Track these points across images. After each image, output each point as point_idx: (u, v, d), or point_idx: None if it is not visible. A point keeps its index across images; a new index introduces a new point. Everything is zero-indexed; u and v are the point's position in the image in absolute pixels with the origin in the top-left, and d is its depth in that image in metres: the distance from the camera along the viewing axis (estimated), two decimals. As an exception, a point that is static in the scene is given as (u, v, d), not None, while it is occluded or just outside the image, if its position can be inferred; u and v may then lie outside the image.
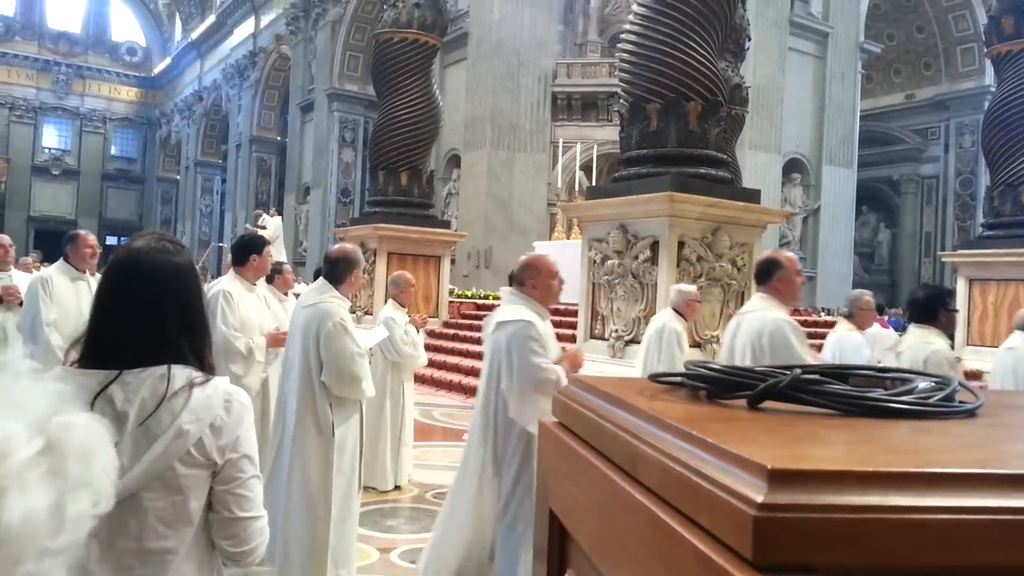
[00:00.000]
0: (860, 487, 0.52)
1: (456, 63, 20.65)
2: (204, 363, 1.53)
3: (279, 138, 30.68)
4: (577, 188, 17.78)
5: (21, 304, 5.08)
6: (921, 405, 0.77)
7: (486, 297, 15.49)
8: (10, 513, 0.80)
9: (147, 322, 1.48)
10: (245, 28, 31.80)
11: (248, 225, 22.82)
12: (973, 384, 4.05)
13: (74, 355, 1.50)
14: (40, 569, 0.83)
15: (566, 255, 10.57)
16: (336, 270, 3.72)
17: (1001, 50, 11.01)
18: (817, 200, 19.85)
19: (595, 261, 7.87)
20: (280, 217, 16.23)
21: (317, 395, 3.60)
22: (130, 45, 42.31)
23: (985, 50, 12.61)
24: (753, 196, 7.85)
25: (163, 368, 1.45)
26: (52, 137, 39.50)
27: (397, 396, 5.84)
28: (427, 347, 6.11)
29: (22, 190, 37.83)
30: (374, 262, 12.09)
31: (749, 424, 0.74)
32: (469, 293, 15.90)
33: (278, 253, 11.85)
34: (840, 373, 0.85)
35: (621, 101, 8.10)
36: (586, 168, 16.92)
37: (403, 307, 5.91)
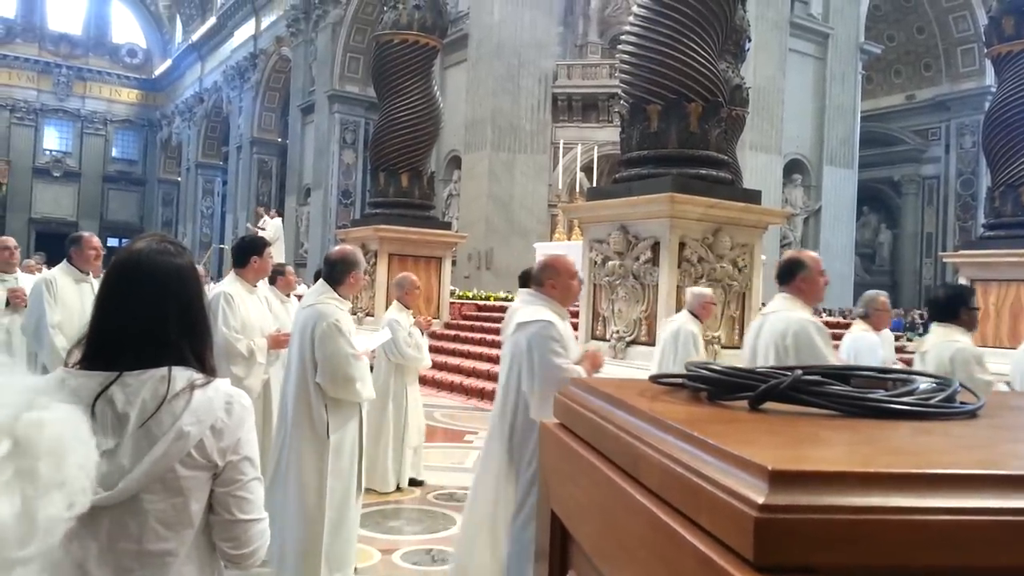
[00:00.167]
0: (861, 488, 0.52)
1: (456, 65, 20.67)
2: (205, 365, 1.53)
3: (280, 140, 30.71)
4: (578, 189, 17.79)
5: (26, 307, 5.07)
6: (922, 406, 0.77)
7: (487, 298, 15.49)
8: None
9: (148, 323, 1.48)
10: (246, 30, 31.84)
11: (249, 224, 22.85)
12: (997, 382, 4.03)
13: (76, 356, 1.50)
14: None
15: (567, 256, 10.57)
16: (335, 271, 3.73)
17: (1001, 51, 11.01)
18: (818, 201, 19.86)
19: (596, 262, 7.87)
20: (280, 218, 16.23)
21: (312, 396, 3.60)
22: (131, 47, 42.36)
23: (985, 51, 12.61)
24: (754, 197, 7.85)
25: (164, 370, 1.45)
26: (53, 139, 39.55)
27: (400, 398, 5.83)
28: (428, 348, 6.10)
29: (23, 192, 37.88)
30: (375, 263, 12.10)
31: (750, 425, 0.74)
32: (470, 294, 15.90)
33: (278, 255, 11.85)
34: (841, 374, 0.85)
35: (622, 102, 8.10)
36: (587, 169, 16.93)
37: (408, 309, 5.91)
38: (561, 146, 19.37)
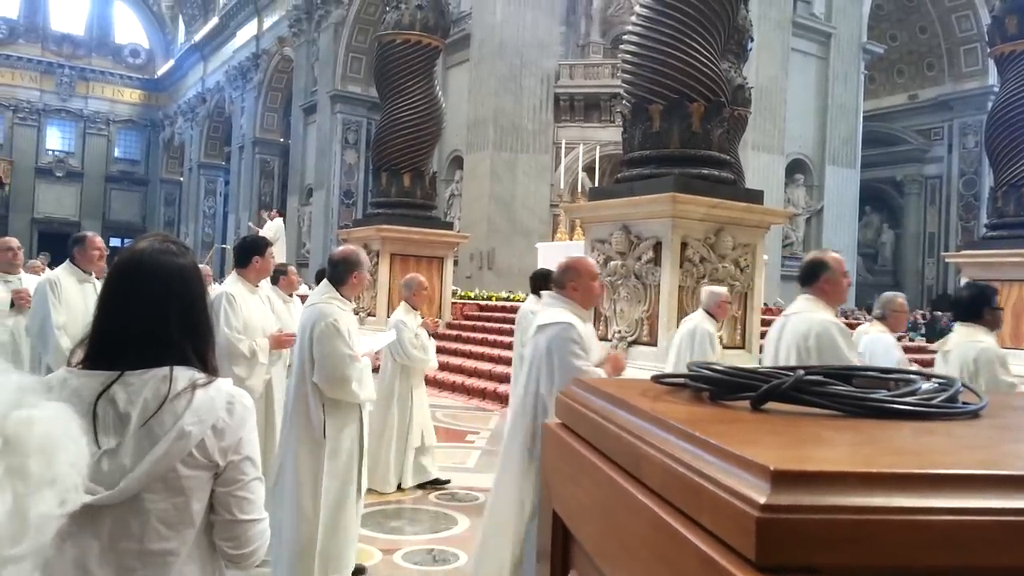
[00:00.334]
0: (863, 488, 0.52)
1: (458, 65, 20.67)
2: (207, 365, 1.53)
3: (282, 140, 30.74)
4: (580, 189, 17.78)
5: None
6: (924, 406, 0.77)
7: (489, 298, 15.49)
8: None
9: (150, 323, 1.48)
10: (248, 30, 31.87)
11: (251, 224, 22.85)
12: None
13: (79, 356, 1.50)
14: None
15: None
16: (337, 271, 3.74)
17: (1004, 50, 11.00)
18: (820, 201, 19.84)
19: (598, 262, 7.86)
20: (281, 218, 16.22)
21: (310, 395, 3.61)
22: (133, 47, 42.41)
23: (988, 50, 12.59)
24: (756, 197, 7.84)
25: (165, 369, 1.45)
26: (56, 139, 39.60)
27: (405, 399, 5.82)
28: (434, 350, 6.10)
29: (26, 192, 37.93)
30: (377, 263, 12.11)
31: (752, 425, 0.74)
32: (472, 294, 15.90)
33: (279, 254, 11.86)
34: (843, 374, 0.85)
35: (624, 102, 8.09)
36: (589, 169, 16.93)
37: (415, 310, 5.91)
38: (563, 146, 19.37)
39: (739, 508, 0.52)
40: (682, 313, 7.04)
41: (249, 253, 4.36)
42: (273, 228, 15.18)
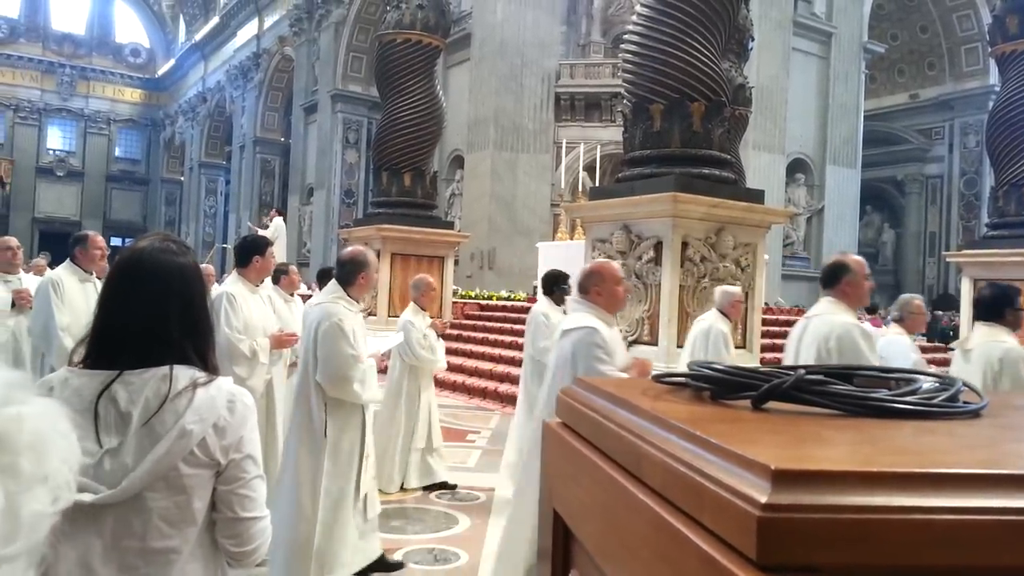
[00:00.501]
0: (864, 488, 0.52)
1: (459, 64, 20.66)
2: (208, 363, 1.53)
3: (283, 139, 30.74)
4: (580, 189, 17.76)
5: (31, 308, 5.01)
6: (925, 405, 0.77)
7: (490, 298, 15.49)
8: None
9: (150, 322, 1.49)
10: (249, 30, 31.87)
11: (250, 224, 22.84)
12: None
13: (80, 355, 1.50)
14: None
15: (570, 256, 10.57)
16: (345, 272, 3.76)
17: (1005, 50, 10.99)
18: (821, 200, 19.83)
19: (598, 262, 7.87)
20: (280, 217, 16.19)
21: (312, 394, 3.61)
22: (134, 47, 42.42)
23: (989, 50, 12.58)
24: (757, 196, 7.83)
25: (165, 368, 1.46)
26: (56, 138, 39.61)
27: (413, 399, 5.81)
28: (443, 350, 6.09)
29: (27, 191, 37.94)
30: (378, 263, 12.10)
31: (753, 425, 0.74)
32: (473, 294, 15.91)
33: (279, 254, 11.86)
34: (844, 373, 0.85)
35: (624, 102, 8.09)
36: (589, 169, 16.92)
37: (424, 311, 5.91)
38: (564, 145, 19.36)
39: (740, 507, 0.52)
40: (682, 313, 7.05)
41: (249, 253, 4.36)
42: (272, 227, 15.17)
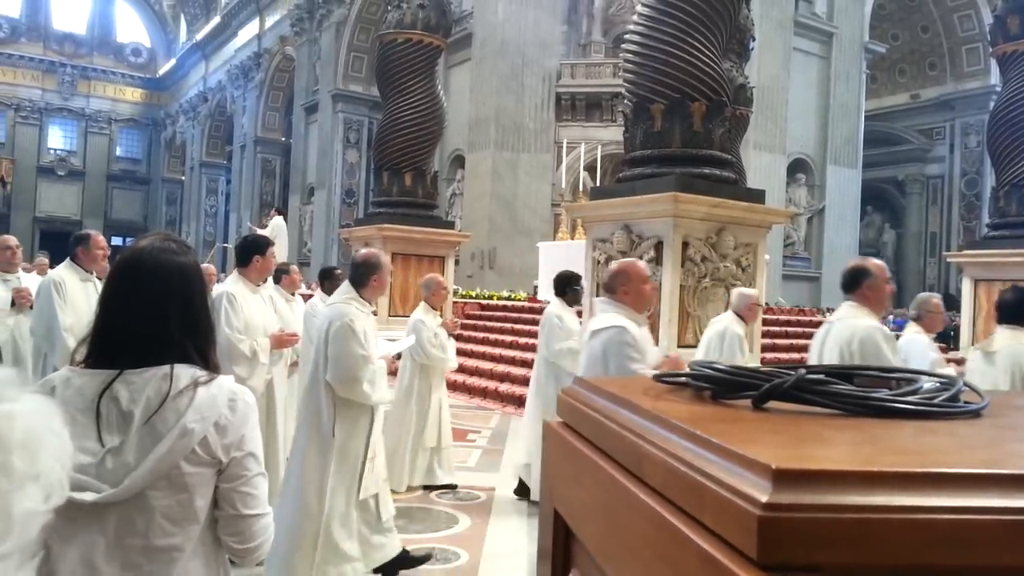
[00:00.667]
0: (865, 487, 0.52)
1: (460, 64, 20.67)
2: (209, 362, 1.54)
3: (284, 139, 30.76)
4: (581, 188, 17.76)
5: (31, 307, 4.98)
6: (926, 405, 0.77)
7: (490, 297, 15.50)
8: None
9: (150, 321, 1.49)
10: (250, 29, 31.88)
11: (251, 224, 22.83)
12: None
13: (81, 354, 1.51)
14: None
15: (570, 256, 10.57)
16: (357, 273, 3.80)
17: (1007, 50, 10.98)
18: (822, 200, 19.82)
19: (599, 262, 7.86)
20: (280, 217, 16.16)
21: (321, 392, 3.63)
22: (135, 46, 42.44)
23: (990, 50, 12.57)
24: (758, 196, 7.83)
25: (166, 367, 1.46)
26: (57, 138, 39.64)
27: (424, 398, 5.80)
28: (455, 350, 6.09)
29: (28, 191, 37.96)
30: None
31: (754, 424, 0.74)
32: (473, 294, 15.91)
33: (279, 253, 11.83)
34: (845, 373, 0.85)
35: (625, 101, 8.09)
36: (590, 168, 16.92)
37: (435, 310, 5.91)
38: (564, 145, 19.36)
39: (741, 507, 0.52)
40: (683, 313, 7.04)
41: (250, 252, 4.36)
42: (271, 226, 15.13)
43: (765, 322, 9.30)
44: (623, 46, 8.19)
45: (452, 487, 5.82)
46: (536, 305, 13.73)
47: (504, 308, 14.19)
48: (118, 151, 41.34)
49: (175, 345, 1.49)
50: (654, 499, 0.64)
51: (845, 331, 3.56)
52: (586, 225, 8.63)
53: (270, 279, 4.97)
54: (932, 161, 24.78)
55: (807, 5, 19.36)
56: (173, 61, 40.68)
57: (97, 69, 40.46)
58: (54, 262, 7.41)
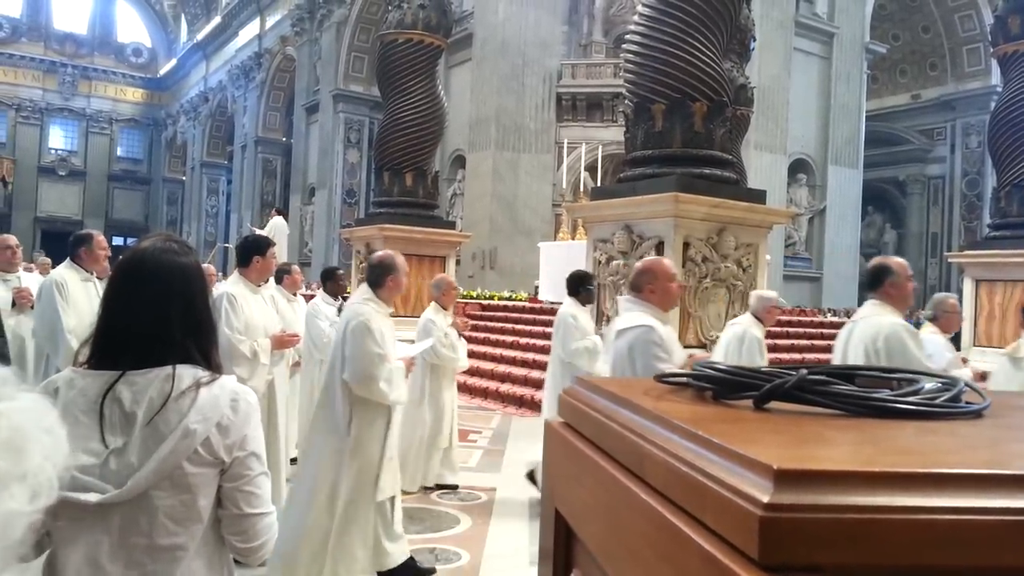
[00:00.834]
0: (866, 487, 0.52)
1: (461, 64, 20.67)
2: (211, 362, 1.54)
3: (284, 139, 30.77)
4: (582, 189, 17.76)
5: (32, 307, 4.97)
6: (927, 406, 0.77)
7: (491, 298, 15.49)
8: None
9: (152, 322, 1.49)
10: (250, 29, 31.89)
11: (251, 225, 22.83)
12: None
13: (84, 355, 1.51)
14: None
15: (571, 256, 10.57)
16: (373, 275, 3.83)
17: (1007, 50, 10.97)
18: (823, 201, 19.81)
19: (600, 262, 7.86)
20: (280, 216, 16.15)
21: (338, 391, 3.65)
22: (136, 46, 42.45)
23: (991, 50, 12.57)
24: (758, 197, 7.83)
25: (168, 368, 1.47)
26: (58, 138, 39.66)
27: (436, 398, 5.80)
28: (465, 350, 6.08)
29: (28, 191, 37.99)
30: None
31: (755, 424, 0.74)
32: (474, 294, 15.90)
33: (279, 254, 11.83)
34: (846, 373, 0.85)
35: (626, 102, 8.08)
36: (591, 169, 16.92)
37: (445, 310, 5.90)
38: (565, 145, 19.35)
39: (742, 507, 0.52)
40: (684, 313, 7.04)
41: (250, 253, 4.36)
42: (271, 226, 15.13)
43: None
44: (624, 46, 8.19)
45: (453, 487, 5.82)
46: (537, 305, 13.74)
47: (505, 308, 14.19)
48: (119, 151, 41.36)
49: (177, 346, 1.50)
50: (655, 499, 0.64)
51: (869, 329, 3.55)
52: (587, 225, 8.63)
53: (272, 279, 4.96)
54: (933, 161, 24.76)
55: (808, 5, 19.36)
56: (174, 61, 40.69)
57: (98, 69, 40.48)
58: (54, 262, 7.40)
